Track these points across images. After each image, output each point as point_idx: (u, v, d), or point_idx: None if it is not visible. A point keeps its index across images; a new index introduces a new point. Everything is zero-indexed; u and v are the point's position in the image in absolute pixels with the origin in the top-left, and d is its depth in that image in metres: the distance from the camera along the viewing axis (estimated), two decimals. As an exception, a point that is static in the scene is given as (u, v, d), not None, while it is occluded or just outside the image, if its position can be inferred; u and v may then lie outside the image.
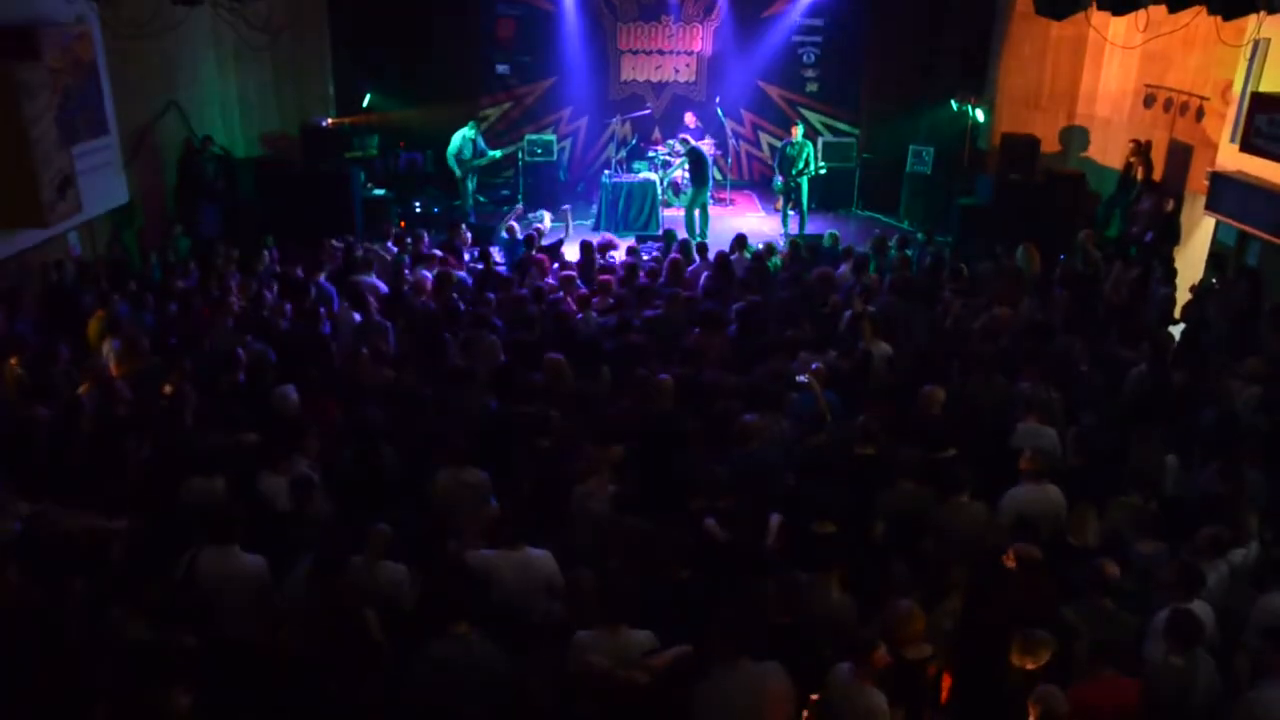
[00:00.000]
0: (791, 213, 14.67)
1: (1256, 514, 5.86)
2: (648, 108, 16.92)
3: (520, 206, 14.17)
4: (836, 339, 8.46)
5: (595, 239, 11.21)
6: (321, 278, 9.70)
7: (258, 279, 9.92)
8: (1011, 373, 7.67)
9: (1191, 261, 11.66)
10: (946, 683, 5.24)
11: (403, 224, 13.70)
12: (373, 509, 5.64)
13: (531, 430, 6.62)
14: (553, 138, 16.37)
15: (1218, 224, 11.38)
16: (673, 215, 14.96)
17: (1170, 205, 12.03)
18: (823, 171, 15.20)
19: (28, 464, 6.08)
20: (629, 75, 17.26)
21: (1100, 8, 8.48)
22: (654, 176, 15.03)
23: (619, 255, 11.01)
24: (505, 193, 16.28)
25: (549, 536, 5.61)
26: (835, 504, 5.85)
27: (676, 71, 17.30)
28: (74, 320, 8.60)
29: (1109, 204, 13.36)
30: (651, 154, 15.79)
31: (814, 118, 17.24)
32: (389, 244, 11.22)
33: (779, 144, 15.38)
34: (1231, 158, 10.92)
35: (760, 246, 11.36)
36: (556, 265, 10.60)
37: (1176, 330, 9.42)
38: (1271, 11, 7.76)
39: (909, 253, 11.19)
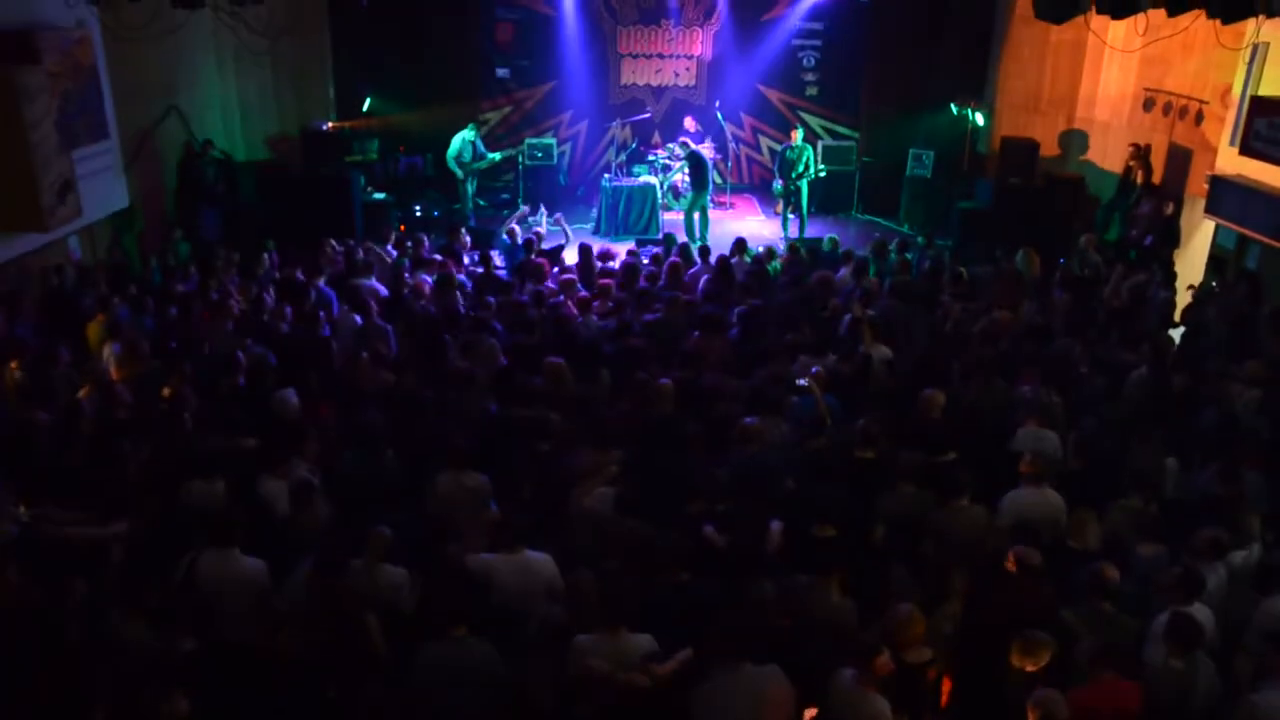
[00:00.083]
0: (791, 216, 14.68)
1: (1259, 516, 5.86)
2: (648, 111, 16.93)
3: (524, 209, 14.15)
4: (836, 343, 8.46)
5: (596, 246, 11.20)
6: (321, 281, 9.71)
7: (258, 282, 9.92)
8: (1011, 376, 7.67)
9: (1191, 265, 11.67)
10: (946, 686, 5.23)
11: (403, 227, 13.71)
12: (373, 512, 5.64)
13: (531, 433, 6.62)
14: (553, 141, 16.38)
15: (1217, 227, 11.38)
16: (673, 219, 14.96)
17: (1170, 209, 12.04)
18: (822, 175, 15.19)
19: (28, 467, 6.07)
20: (629, 79, 17.27)
21: (1099, 11, 8.49)
22: (654, 180, 15.03)
23: (617, 265, 11.02)
24: (505, 196, 16.29)
25: (549, 539, 5.61)
26: (835, 507, 5.85)
27: (676, 75, 17.31)
28: (74, 324, 8.60)
29: (1108, 208, 13.36)
30: (651, 158, 15.79)
31: (814, 121, 17.25)
32: (388, 247, 11.23)
33: (779, 148, 15.40)
34: (1231, 161, 10.93)
35: (760, 250, 11.37)
36: (556, 269, 10.60)
37: (1176, 333, 9.43)
38: (1270, 15, 7.76)
39: (909, 256, 11.19)
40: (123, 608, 4.81)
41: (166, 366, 7.49)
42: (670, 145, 15.74)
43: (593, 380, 7.64)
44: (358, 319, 8.66)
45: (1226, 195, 10.82)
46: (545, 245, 11.53)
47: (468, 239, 11.76)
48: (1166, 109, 12.79)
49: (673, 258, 10.41)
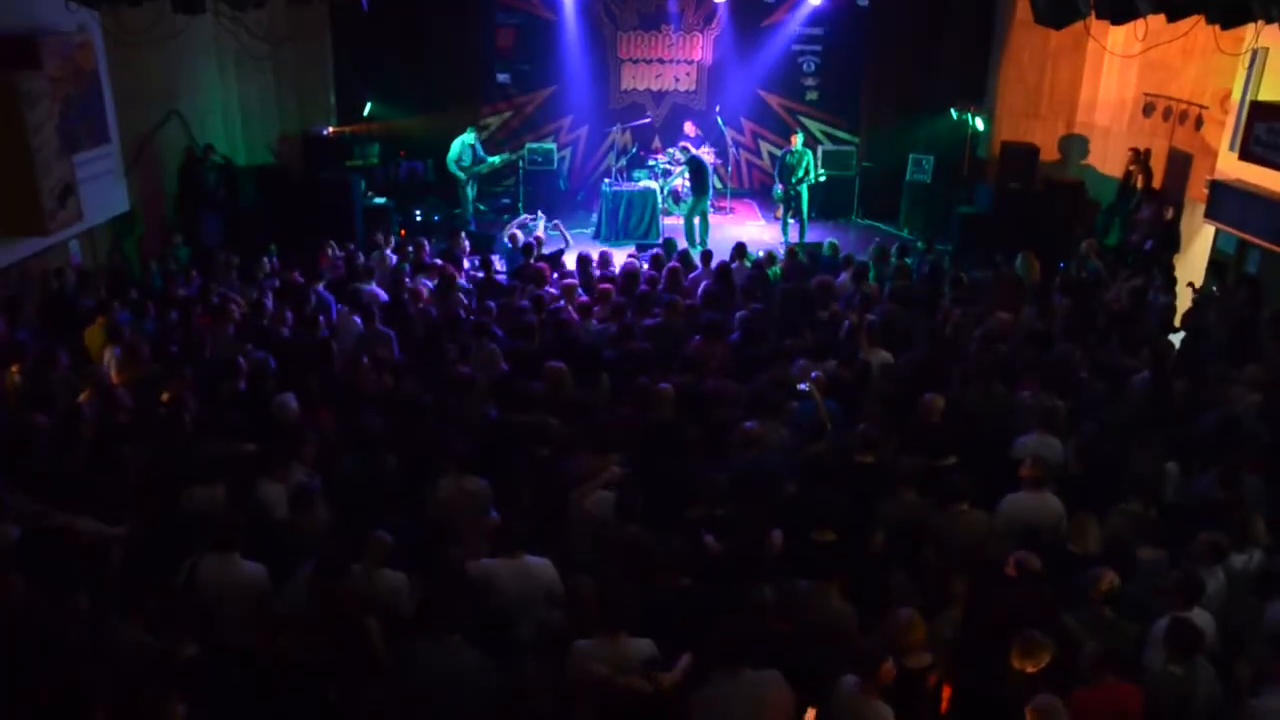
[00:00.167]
0: (791, 221, 14.69)
1: (1262, 520, 5.86)
2: (648, 117, 16.95)
3: (526, 216, 14.17)
4: (836, 348, 8.46)
5: (595, 252, 11.20)
6: (320, 286, 9.72)
7: (258, 287, 9.93)
8: (1011, 381, 7.67)
9: (1192, 270, 11.68)
10: (946, 692, 5.23)
11: (403, 232, 13.72)
12: (373, 516, 5.64)
13: (531, 438, 6.62)
14: (553, 146, 16.39)
15: (1217, 232, 11.39)
16: (673, 224, 14.97)
17: (1170, 213, 12.05)
18: (822, 180, 15.20)
19: (28, 471, 6.07)
20: (629, 84, 17.28)
21: (1099, 16, 8.48)
22: (654, 185, 15.04)
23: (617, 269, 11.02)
24: (506, 201, 16.29)
25: (549, 544, 5.61)
26: (835, 512, 5.84)
27: (677, 80, 17.32)
28: (74, 328, 8.61)
29: (1108, 212, 13.37)
30: (652, 162, 15.79)
31: (814, 126, 17.26)
32: (387, 251, 11.24)
33: (779, 152, 15.40)
34: (1231, 166, 10.95)
35: (760, 255, 11.38)
36: (556, 275, 10.61)
37: (1176, 338, 9.43)
38: (1269, 20, 7.77)
39: (909, 261, 11.21)
40: (123, 610, 4.82)
41: (167, 371, 7.51)
42: (670, 150, 15.74)
43: (593, 385, 7.64)
44: (358, 322, 8.67)
45: (1226, 200, 10.83)
46: (545, 250, 11.54)
47: (466, 244, 11.76)
48: (1166, 114, 12.81)
49: (672, 263, 10.42)
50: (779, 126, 17.22)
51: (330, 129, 15.37)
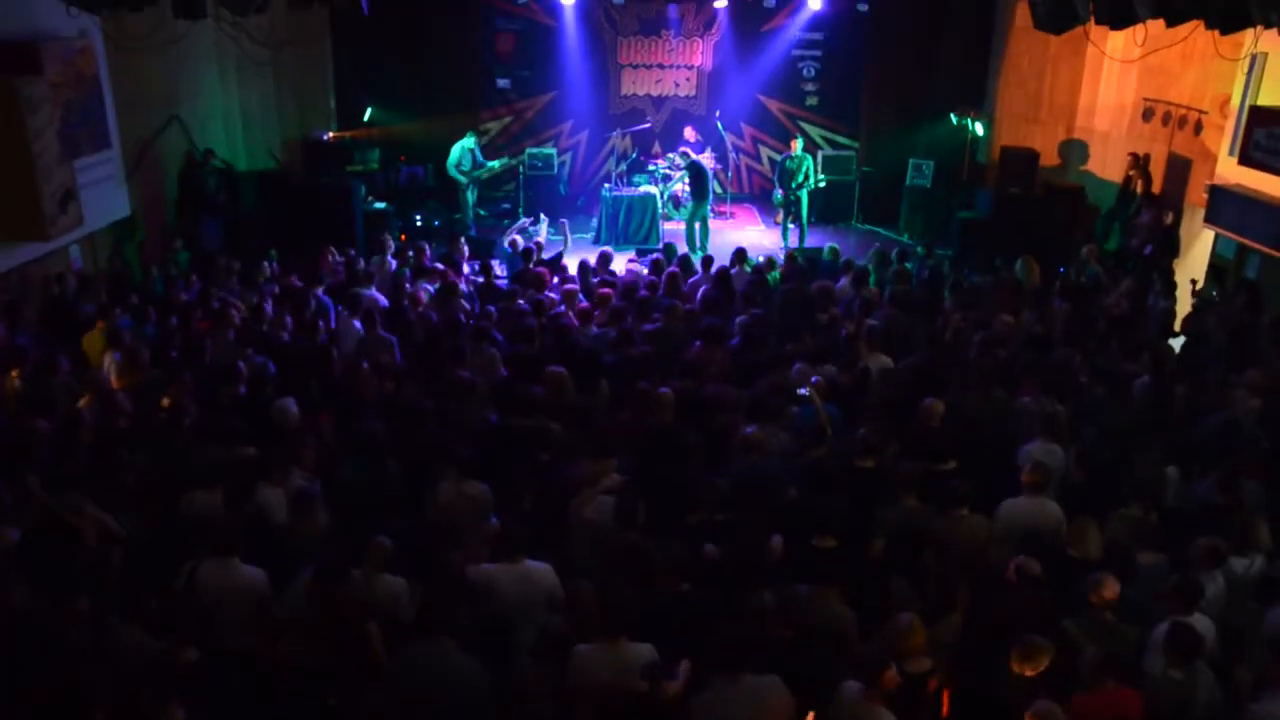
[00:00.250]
0: (791, 226, 14.69)
1: (1265, 525, 5.86)
2: (648, 121, 16.97)
3: (526, 220, 14.17)
4: (836, 353, 8.47)
5: (594, 256, 11.21)
6: (320, 290, 9.72)
7: (259, 292, 9.94)
8: (1011, 386, 7.67)
9: (1191, 274, 11.67)
10: (947, 697, 5.22)
11: (404, 237, 13.73)
12: (373, 520, 5.64)
13: (532, 443, 6.63)
14: (553, 151, 16.41)
15: (1217, 237, 11.40)
16: (673, 229, 14.99)
17: (1169, 218, 12.06)
18: (822, 185, 15.21)
19: (28, 475, 6.07)
20: (629, 89, 17.30)
21: (1098, 22, 8.50)
22: (654, 190, 15.06)
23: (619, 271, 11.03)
24: (506, 206, 16.30)
25: (549, 549, 5.61)
26: (835, 517, 5.84)
27: (677, 85, 17.34)
28: (75, 333, 8.61)
29: (1108, 217, 13.38)
30: (652, 167, 15.79)
31: (814, 131, 17.28)
32: (387, 256, 11.25)
33: (779, 157, 15.40)
34: (1230, 171, 10.95)
35: (760, 260, 11.39)
36: (557, 280, 10.62)
37: (1176, 343, 9.43)
38: (1269, 25, 7.78)
39: (908, 266, 11.22)
40: (123, 613, 4.82)
41: (167, 376, 7.50)
42: (670, 155, 15.74)
43: (593, 390, 7.64)
44: (358, 326, 8.67)
45: (1226, 205, 10.83)
46: (545, 254, 11.54)
47: (466, 248, 11.78)
48: (1166, 119, 12.82)
49: (671, 268, 10.43)
50: (779, 131, 17.22)
51: (330, 134, 15.39)
